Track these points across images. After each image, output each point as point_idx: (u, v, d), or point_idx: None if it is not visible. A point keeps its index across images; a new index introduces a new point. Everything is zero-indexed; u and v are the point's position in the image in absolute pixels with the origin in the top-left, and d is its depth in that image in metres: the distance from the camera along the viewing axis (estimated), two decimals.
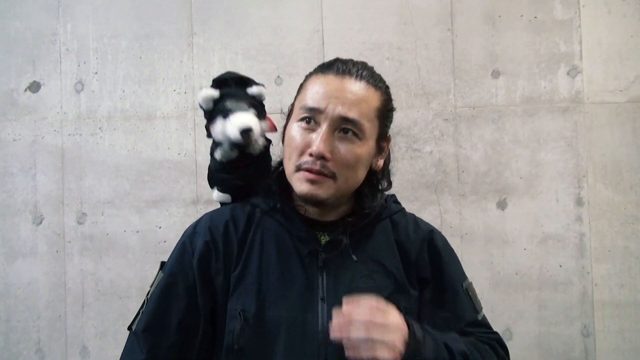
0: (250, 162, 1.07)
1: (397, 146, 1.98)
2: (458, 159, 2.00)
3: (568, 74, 2.00)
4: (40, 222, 2.03)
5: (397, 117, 2.01)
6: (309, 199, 0.93)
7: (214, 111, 1.04)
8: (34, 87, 2.06)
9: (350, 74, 0.93)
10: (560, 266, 1.97)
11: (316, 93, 0.92)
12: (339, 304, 0.90)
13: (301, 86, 0.99)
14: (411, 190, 1.99)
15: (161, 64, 2.04)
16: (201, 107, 1.07)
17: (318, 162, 0.90)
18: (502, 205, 1.99)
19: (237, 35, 2.04)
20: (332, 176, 0.92)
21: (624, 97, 1.99)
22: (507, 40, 2.01)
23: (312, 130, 0.92)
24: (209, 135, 1.09)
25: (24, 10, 2.06)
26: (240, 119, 1.00)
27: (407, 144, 2.00)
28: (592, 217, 1.98)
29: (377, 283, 0.97)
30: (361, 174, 0.97)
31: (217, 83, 1.07)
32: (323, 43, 2.02)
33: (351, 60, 0.97)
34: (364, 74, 0.95)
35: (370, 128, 0.94)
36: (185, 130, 2.02)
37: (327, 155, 0.90)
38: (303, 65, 2.00)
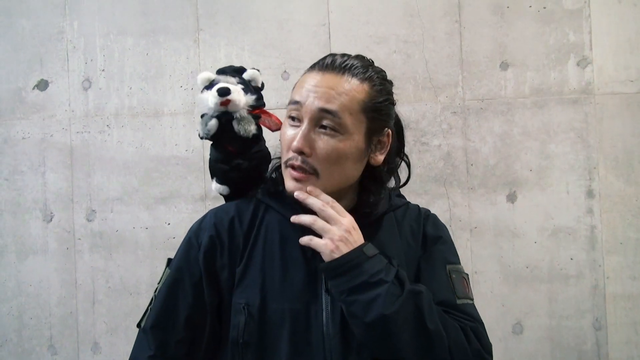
0: (243, 150, 1.07)
1: (405, 140, 1.96)
2: (467, 152, 1.99)
3: (578, 64, 1.98)
4: (51, 220, 2.05)
5: (405, 111, 2.00)
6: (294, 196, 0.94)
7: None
8: (42, 85, 2.07)
9: (333, 67, 0.93)
10: (571, 259, 1.96)
11: (300, 88, 0.93)
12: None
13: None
14: (420, 184, 1.98)
15: (167, 61, 2.04)
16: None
17: (299, 158, 0.91)
18: (511, 198, 1.97)
19: (243, 30, 2.03)
20: (314, 172, 0.92)
21: (635, 87, 1.97)
22: (516, 31, 1.99)
23: (297, 126, 0.92)
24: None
25: (31, 8, 2.07)
26: (222, 85, 1.03)
27: (416, 138, 1.98)
28: (603, 209, 1.96)
29: None
30: (350, 169, 0.95)
31: (218, 72, 1.10)
32: (329, 37, 2.01)
33: (342, 54, 0.96)
34: (348, 65, 0.93)
35: (353, 122, 0.92)
36: (193, 126, 2.02)
37: (306, 150, 0.90)
38: (309, 59, 1.96)
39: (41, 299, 2.04)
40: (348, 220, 0.90)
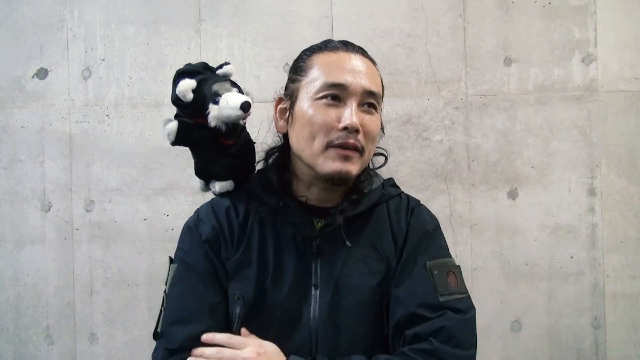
0: (233, 136, 1.05)
1: (407, 135, 1.95)
2: (468, 148, 1.97)
3: (582, 61, 1.96)
4: (49, 209, 2.04)
5: (407, 105, 1.99)
6: (340, 177, 0.92)
7: (195, 101, 1.00)
8: (42, 73, 2.05)
9: (356, 50, 0.97)
10: (572, 257, 1.95)
11: (336, 69, 0.93)
12: (331, 289, 0.91)
13: (302, 66, 0.99)
14: (420, 179, 1.96)
15: (169, 51, 2.03)
16: (177, 102, 1.01)
17: (351, 136, 0.91)
18: (513, 195, 1.96)
19: (245, 21, 2.01)
20: (361, 150, 0.93)
21: None
22: (520, 27, 1.97)
23: (337, 106, 0.92)
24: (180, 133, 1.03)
25: None
26: (235, 97, 0.99)
27: (417, 133, 1.97)
28: (605, 207, 1.95)
29: (370, 268, 0.96)
30: (374, 147, 1.00)
31: (188, 74, 1.01)
32: (332, 29, 1.99)
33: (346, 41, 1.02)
34: (365, 53, 0.99)
35: (380, 101, 0.98)
36: None
37: (359, 128, 0.91)
38: None
39: (38, 288, 2.03)
40: (250, 349, 0.86)
